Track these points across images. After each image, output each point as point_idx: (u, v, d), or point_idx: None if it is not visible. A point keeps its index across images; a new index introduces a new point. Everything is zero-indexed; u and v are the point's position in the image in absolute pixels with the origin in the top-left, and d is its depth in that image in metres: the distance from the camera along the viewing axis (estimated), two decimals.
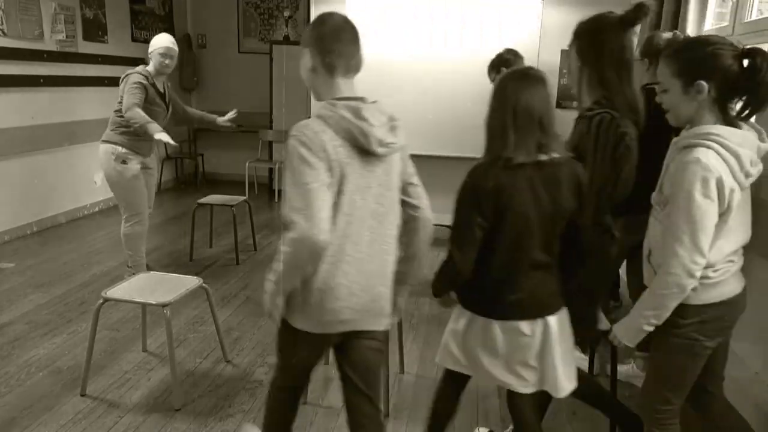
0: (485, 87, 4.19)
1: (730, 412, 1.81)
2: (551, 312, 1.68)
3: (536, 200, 1.58)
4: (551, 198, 1.59)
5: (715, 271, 1.53)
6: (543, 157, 1.58)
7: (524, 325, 1.65)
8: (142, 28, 6.51)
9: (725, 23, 3.12)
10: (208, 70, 7.57)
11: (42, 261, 4.33)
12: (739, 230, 1.54)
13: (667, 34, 2.55)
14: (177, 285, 2.65)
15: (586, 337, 1.94)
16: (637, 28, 1.83)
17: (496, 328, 1.67)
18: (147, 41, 3.78)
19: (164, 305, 2.46)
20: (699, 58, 1.45)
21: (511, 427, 2.27)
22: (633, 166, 1.76)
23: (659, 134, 1.71)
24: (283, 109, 6.92)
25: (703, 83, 1.44)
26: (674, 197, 1.46)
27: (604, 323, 1.93)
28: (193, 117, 4.16)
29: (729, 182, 1.43)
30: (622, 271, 2.86)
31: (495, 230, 1.62)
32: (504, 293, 1.66)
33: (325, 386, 2.71)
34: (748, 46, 1.45)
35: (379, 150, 1.53)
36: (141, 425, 2.37)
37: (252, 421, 2.42)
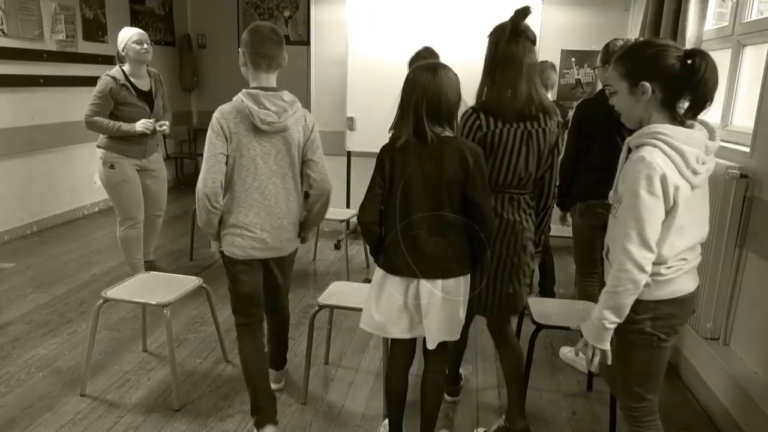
0: None
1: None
2: (433, 276, 1.92)
3: (421, 169, 1.87)
4: (434, 168, 1.87)
5: (668, 268, 1.56)
6: (430, 136, 1.84)
7: (403, 281, 1.94)
8: (142, 28, 6.45)
9: (725, 23, 3.12)
10: (208, 70, 7.57)
11: (42, 261, 4.33)
12: (693, 228, 1.57)
13: (621, 42, 2.79)
14: (177, 285, 2.66)
15: (506, 309, 2.18)
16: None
17: (391, 281, 1.96)
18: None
19: (164, 305, 2.46)
20: (642, 60, 1.52)
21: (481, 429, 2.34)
22: (499, 156, 2.05)
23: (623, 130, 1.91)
24: None
25: (647, 84, 1.50)
26: (624, 195, 1.52)
27: (524, 299, 2.19)
28: None
29: (674, 179, 1.47)
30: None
31: (390, 193, 1.93)
32: (396, 251, 1.93)
33: (325, 386, 2.71)
34: (689, 48, 1.50)
35: (263, 127, 2.13)
36: (141, 425, 2.37)
37: (252, 422, 2.42)
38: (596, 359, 1.61)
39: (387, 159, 1.92)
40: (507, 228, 2.08)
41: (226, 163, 2.14)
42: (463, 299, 1.98)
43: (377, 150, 1.98)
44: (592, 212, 2.73)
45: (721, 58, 3.13)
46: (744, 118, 2.87)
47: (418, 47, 4.81)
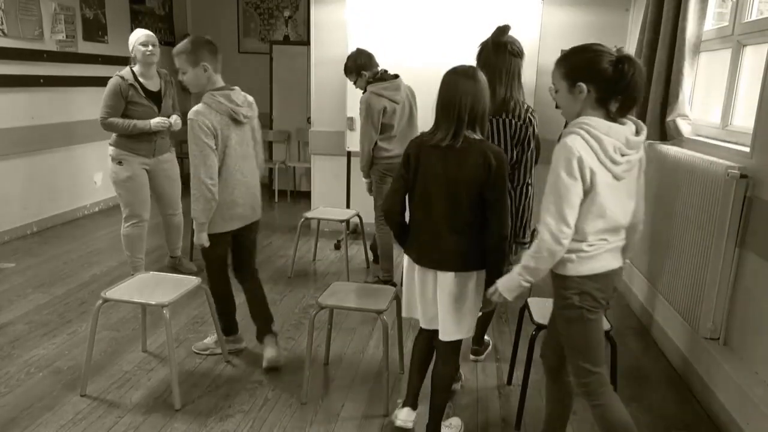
0: None
1: (569, 379, 1.97)
2: (447, 269, 2.07)
3: (445, 168, 2.01)
4: (458, 168, 2.00)
5: (589, 245, 1.72)
6: (462, 138, 1.99)
7: (422, 271, 2.13)
8: (142, 28, 6.50)
9: (725, 23, 3.12)
10: None
11: (42, 261, 4.33)
12: (615, 213, 1.71)
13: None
14: (177, 285, 2.66)
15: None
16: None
17: (415, 268, 2.16)
18: None
19: (164, 305, 2.46)
20: (579, 64, 1.69)
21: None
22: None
23: None
24: (283, 109, 6.93)
25: (583, 85, 1.67)
26: (549, 177, 1.70)
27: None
28: None
29: (590, 163, 1.64)
30: None
31: (414, 187, 2.10)
32: (417, 243, 2.14)
33: (325, 386, 2.71)
34: (620, 53, 1.66)
35: (243, 120, 2.68)
36: (141, 425, 2.37)
37: (252, 421, 2.42)
38: (497, 302, 1.92)
39: (413, 155, 2.08)
40: None
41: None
42: (476, 294, 2.10)
43: None
44: None
45: (721, 58, 3.13)
46: (744, 118, 2.87)
47: (417, 47, 4.83)
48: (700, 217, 2.79)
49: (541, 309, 2.46)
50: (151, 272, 2.92)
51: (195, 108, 2.54)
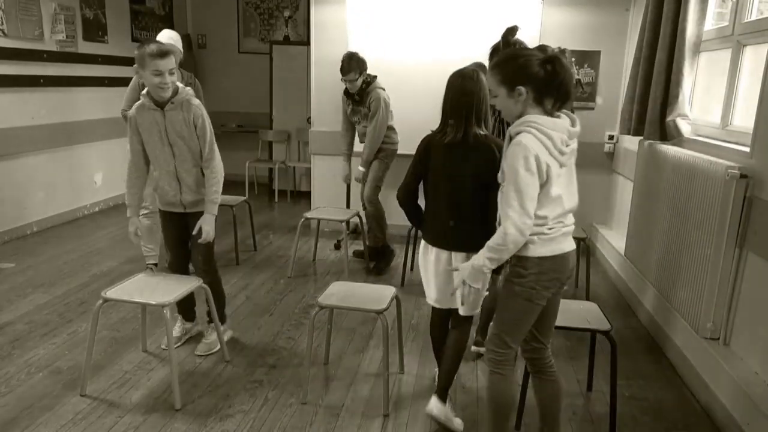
0: None
1: (551, 368, 2.09)
2: (459, 250, 2.26)
3: (453, 162, 2.21)
4: (466, 162, 2.17)
5: (549, 228, 1.86)
6: (471, 135, 2.19)
7: (437, 252, 2.32)
8: (142, 28, 6.51)
9: (725, 23, 3.12)
10: (208, 70, 7.57)
11: (42, 261, 4.33)
12: (565, 198, 1.88)
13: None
14: (177, 285, 2.66)
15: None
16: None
17: (430, 251, 2.34)
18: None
19: (164, 305, 2.46)
20: (515, 70, 1.82)
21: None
22: None
23: None
24: (283, 109, 6.93)
25: (522, 88, 1.80)
26: (507, 173, 1.83)
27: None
28: None
29: (545, 158, 1.78)
30: None
31: (426, 179, 2.32)
32: (431, 227, 2.35)
33: (325, 386, 2.71)
34: (550, 53, 1.81)
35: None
36: (141, 425, 2.37)
37: (252, 421, 2.42)
38: (471, 296, 1.99)
39: (424, 150, 2.31)
40: None
41: None
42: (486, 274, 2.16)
43: None
44: None
45: (721, 58, 3.13)
46: (744, 118, 2.87)
47: (417, 47, 4.83)
48: (700, 217, 2.79)
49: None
50: (151, 272, 2.92)
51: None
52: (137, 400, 2.55)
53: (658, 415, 2.55)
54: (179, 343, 3.04)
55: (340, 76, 4.10)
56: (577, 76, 4.83)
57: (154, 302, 2.49)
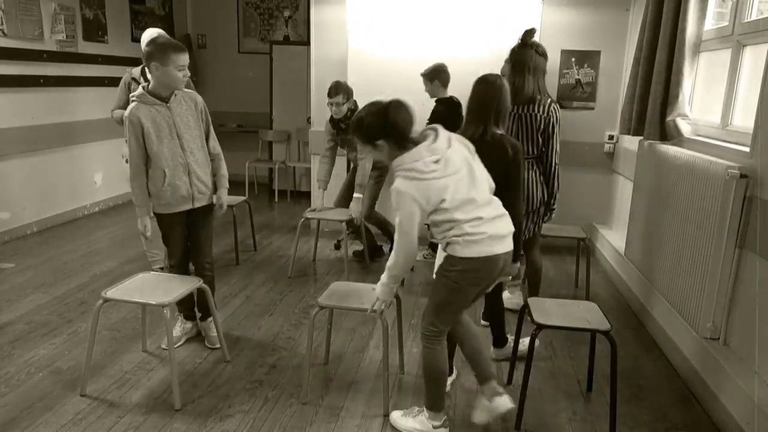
0: None
1: (467, 322, 2.39)
2: None
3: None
4: (482, 157, 2.24)
5: (472, 227, 2.07)
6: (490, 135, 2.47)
7: None
8: (142, 28, 6.47)
9: (725, 23, 3.12)
10: (208, 70, 7.57)
11: (42, 261, 4.33)
12: (473, 196, 2.09)
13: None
14: (177, 285, 2.65)
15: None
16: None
17: None
18: None
19: (164, 305, 2.46)
20: (368, 131, 2.10)
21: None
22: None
23: None
24: (283, 109, 6.93)
25: (380, 141, 2.09)
26: (397, 211, 2.11)
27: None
28: None
29: (423, 193, 2.03)
30: None
31: None
32: None
33: (325, 386, 2.71)
34: (383, 104, 2.11)
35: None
36: (141, 425, 2.37)
37: (252, 421, 2.42)
38: (382, 306, 2.30)
39: None
40: None
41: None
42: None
43: None
44: None
45: (721, 58, 3.13)
46: (744, 118, 2.87)
47: (417, 47, 4.83)
48: (700, 217, 2.79)
49: (541, 309, 2.47)
50: (151, 272, 2.92)
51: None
52: (137, 400, 2.55)
53: (658, 415, 2.55)
54: (179, 343, 3.04)
55: (328, 99, 4.07)
56: (577, 76, 4.83)
57: (154, 302, 2.49)
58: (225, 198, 2.99)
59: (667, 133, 3.32)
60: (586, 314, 2.44)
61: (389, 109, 2.08)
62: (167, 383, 2.65)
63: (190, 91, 2.85)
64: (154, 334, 3.15)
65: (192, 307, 3.11)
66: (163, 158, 2.74)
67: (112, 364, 2.85)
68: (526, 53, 3.00)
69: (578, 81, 4.84)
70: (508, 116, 2.62)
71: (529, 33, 3.04)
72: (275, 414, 2.47)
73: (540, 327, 2.34)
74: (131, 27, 6.30)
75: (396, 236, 2.13)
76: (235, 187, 6.62)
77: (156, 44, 2.64)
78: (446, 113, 4.04)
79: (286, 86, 6.82)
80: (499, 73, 3.42)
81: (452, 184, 2.06)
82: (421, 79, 4.29)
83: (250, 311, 3.53)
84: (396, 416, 2.43)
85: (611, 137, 4.89)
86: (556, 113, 3.01)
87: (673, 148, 3.26)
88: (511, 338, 2.92)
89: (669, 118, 3.28)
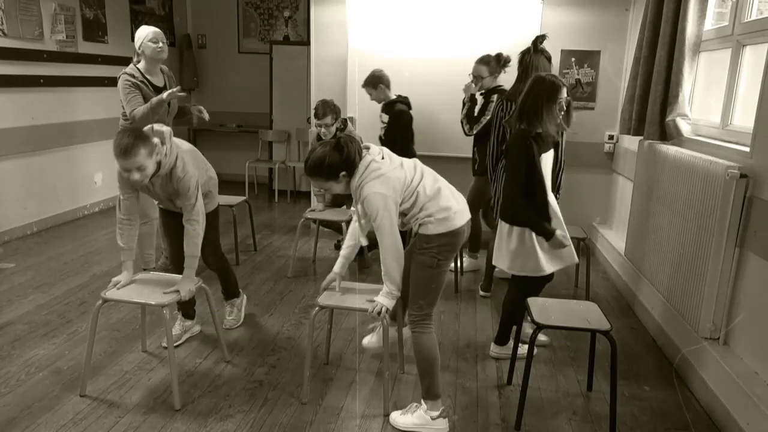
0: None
1: None
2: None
3: None
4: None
5: (439, 212, 2.29)
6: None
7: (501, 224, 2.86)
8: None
9: (725, 23, 3.12)
10: (208, 70, 7.57)
11: (42, 261, 4.33)
12: (439, 187, 2.34)
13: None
14: (177, 285, 2.65)
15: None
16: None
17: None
18: None
19: (164, 305, 2.46)
20: (330, 170, 2.25)
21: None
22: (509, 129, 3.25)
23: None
24: (283, 109, 6.93)
25: (342, 173, 2.27)
26: (373, 216, 2.29)
27: None
28: (183, 110, 4.06)
29: (397, 190, 2.26)
30: None
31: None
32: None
33: (325, 386, 2.71)
34: (336, 139, 2.30)
35: None
36: (141, 425, 2.37)
37: (252, 421, 2.42)
38: (384, 311, 2.37)
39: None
40: None
41: None
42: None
43: None
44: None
45: (721, 58, 3.13)
46: (744, 118, 2.87)
47: (417, 47, 4.83)
48: (700, 217, 2.79)
49: (541, 309, 2.47)
50: (151, 272, 2.92)
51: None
52: (137, 400, 2.55)
53: (658, 415, 2.55)
54: (179, 342, 3.05)
55: (315, 120, 3.97)
56: (577, 76, 4.83)
57: (153, 302, 2.49)
58: (187, 286, 2.62)
59: (667, 133, 3.32)
60: (586, 314, 2.44)
61: (344, 143, 2.25)
62: (167, 383, 2.65)
63: (177, 170, 2.60)
64: (154, 334, 3.15)
65: (192, 305, 3.11)
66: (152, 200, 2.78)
67: (112, 364, 2.85)
68: (536, 58, 3.27)
69: (578, 81, 4.84)
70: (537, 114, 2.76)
71: (540, 39, 3.30)
72: (275, 414, 2.47)
73: (540, 327, 2.34)
74: (131, 27, 6.29)
75: (381, 241, 2.27)
76: (235, 187, 6.64)
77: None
78: (396, 120, 4.17)
79: (286, 86, 6.82)
80: (471, 73, 3.94)
81: (406, 172, 2.31)
82: (421, 78, 4.30)
83: (249, 311, 3.53)
84: (395, 416, 2.44)
85: (611, 137, 4.89)
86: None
87: (673, 148, 3.26)
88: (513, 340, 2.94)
89: (669, 118, 3.28)
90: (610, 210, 4.92)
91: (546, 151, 2.69)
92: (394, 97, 4.28)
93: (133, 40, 6.03)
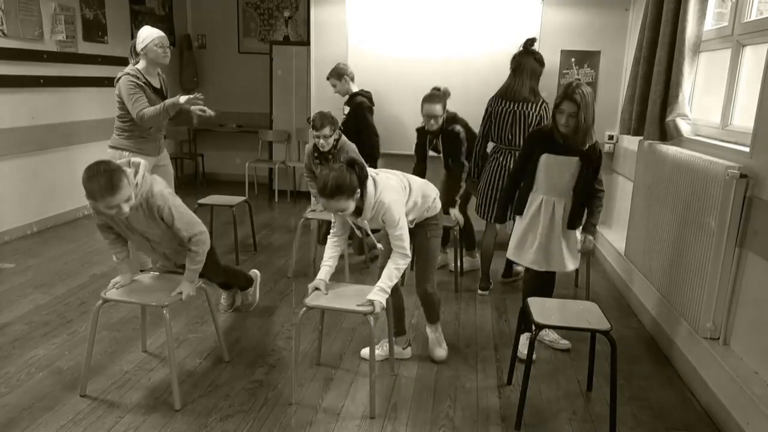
0: (485, 87, 4.22)
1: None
2: None
3: None
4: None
5: (434, 201, 2.77)
6: None
7: None
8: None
9: (725, 23, 3.12)
10: (208, 70, 7.57)
11: (42, 261, 4.33)
12: (426, 191, 2.75)
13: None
14: (177, 285, 2.65)
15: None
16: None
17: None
18: None
19: (164, 305, 2.46)
20: (351, 188, 2.38)
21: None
22: (495, 122, 3.85)
23: None
24: (283, 109, 6.93)
25: (357, 191, 2.42)
26: (388, 225, 2.56)
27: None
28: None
29: (397, 181, 2.67)
30: None
31: None
32: None
33: (325, 386, 2.71)
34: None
35: None
36: (141, 425, 2.37)
37: (252, 421, 2.42)
38: (382, 310, 2.50)
39: None
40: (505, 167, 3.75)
41: None
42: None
43: None
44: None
45: (721, 58, 3.13)
46: (744, 118, 2.87)
47: (417, 47, 4.84)
48: (700, 217, 2.79)
49: (541, 309, 2.47)
50: (151, 272, 2.92)
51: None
52: (137, 400, 2.55)
53: (658, 415, 2.55)
54: (229, 310, 3.48)
55: (313, 132, 3.83)
56: (577, 76, 4.83)
57: (153, 302, 2.49)
58: (187, 289, 2.59)
59: (667, 133, 3.32)
60: (586, 314, 2.44)
61: (354, 163, 2.41)
62: (167, 383, 2.65)
63: (155, 195, 2.51)
64: (154, 334, 3.15)
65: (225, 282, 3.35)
66: (128, 239, 2.70)
67: (112, 364, 2.85)
68: (526, 59, 3.66)
69: (578, 81, 4.84)
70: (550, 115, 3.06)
71: (530, 42, 3.69)
72: (275, 414, 2.47)
73: (539, 327, 2.34)
74: (131, 27, 6.30)
75: (402, 244, 2.51)
76: (235, 187, 6.64)
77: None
78: (356, 111, 4.36)
79: (286, 86, 6.82)
80: (425, 114, 3.94)
81: (394, 177, 2.65)
82: (420, 78, 4.31)
83: (250, 311, 3.53)
84: (438, 352, 2.95)
85: (611, 137, 4.89)
86: (546, 112, 3.66)
87: (673, 148, 3.26)
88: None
89: (669, 118, 3.28)
90: (610, 210, 4.92)
91: (551, 152, 2.94)
92: (356, 89, 4.45)
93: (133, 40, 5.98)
